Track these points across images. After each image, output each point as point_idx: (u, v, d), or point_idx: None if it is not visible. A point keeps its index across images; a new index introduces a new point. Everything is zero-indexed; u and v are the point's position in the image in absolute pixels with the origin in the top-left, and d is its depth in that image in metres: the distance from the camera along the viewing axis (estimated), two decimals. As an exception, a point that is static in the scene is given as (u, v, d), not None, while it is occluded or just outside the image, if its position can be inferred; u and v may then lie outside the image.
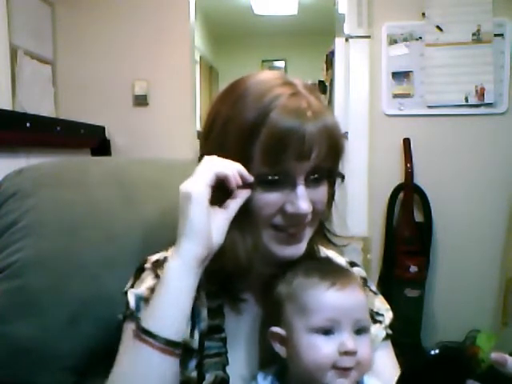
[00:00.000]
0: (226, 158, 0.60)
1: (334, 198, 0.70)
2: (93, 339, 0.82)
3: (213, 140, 0.64)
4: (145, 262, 0.71)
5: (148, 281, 0.67)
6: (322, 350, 0.59)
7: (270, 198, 0.60)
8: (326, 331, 0.60)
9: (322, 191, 0.63)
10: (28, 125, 1.79)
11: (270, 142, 0.58)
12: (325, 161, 0.61)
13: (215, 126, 0.64)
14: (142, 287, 0.66)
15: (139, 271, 0.70)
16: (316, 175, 0.61)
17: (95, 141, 2.39)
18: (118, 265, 0.83)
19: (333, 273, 0.64)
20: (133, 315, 0.64)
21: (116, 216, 0.87)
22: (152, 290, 0.63)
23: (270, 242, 0.63)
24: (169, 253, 0.69)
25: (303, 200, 0.59)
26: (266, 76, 0.63)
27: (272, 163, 0.59)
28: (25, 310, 0.80)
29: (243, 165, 0.59)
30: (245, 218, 0.62)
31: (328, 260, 0.73)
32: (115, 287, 0.80)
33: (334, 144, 0.61)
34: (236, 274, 0.64)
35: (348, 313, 0.60)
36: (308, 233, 0.64)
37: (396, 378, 0.48)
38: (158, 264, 0.68)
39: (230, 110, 0.62)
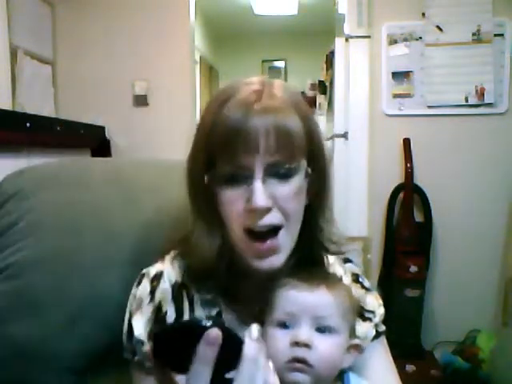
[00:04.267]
0: (195, 154, 0.64)
1: (322, 205, 0.68)
2: (93, 339, 0.82)
3: (193, 142, 0.66)
4: (143, 276, 0.71)
5: (146, 313, 0.67)
6: (278, 342, 0.61)
7: (233, 195, 0.61)
8: (284, 325, 0.62)
9: (288, 187, 0.61)
10: (28, 125, 1.79)
11: (222, 137, 0.59)
12: (281, 156, 0.59)
13: (196, 129, 0.66)
14: (140, 325, 0.67)
15: (138, 285, 0.70)
16: (280, 171, 0.60)
17: (95, 141, 2.39)
18: (118, 265, 0.83)
19: (311, 277, 0.65)
20: (141, 363, 0.67)
21: (116, 216, 0.87)
22: (151, 332, 0.66)
23: (247, 254, 0.63)
24: (165, 263, 0.71)
25: (258, 195, 0.58)
26: (247, 79, 0.65)
27: (227, 159, 0.60)
28: (24, 311, 0.80)
29: (206, 162, 0.61)
30: (214, 218, 0.63)
31: (323, 270, 0.73)
32: (115, 287, 0.81)
33: (284, 138, 0.59)
34: (204, 272, 0.66)
35: (306, 309, 0.62)
36: (284, 241, 0.63)
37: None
38: (155, 285, 0.69)
39: (204, 111, 0.65)
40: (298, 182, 0.62)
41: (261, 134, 0.58)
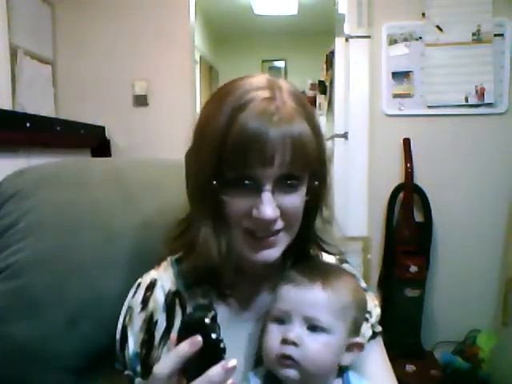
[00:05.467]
0: (200, 155, 0.62)
1: (319, 205, 0.69)
2: (92, 339, 0.82)
3: (193, 140, 0.66)
4: (138, 286, 0.71)
5: (137, 323, 0.69)
6: (271, 337, 0.63)
7: (239, 202, 0.61)
8: (279, 321, 0.64)
9: (295, 198, 0.62)
10: (28, 125, 1.79)
11: (236, 146, 0.58)
12: (293, 168, 0.60)
13: (196, 126, 0.66)
14: (132, 340, 0.68)
15: (134, 296, 0.71)
16: (289, 181, 0.61)
17: (95, 141, 2.39)
18: (117, 265, 0.83)
19: (311, 271, 0.66)
20: (131, 378, 0.68)
21: (115, 216, 0.88)
22: (143, 344, 0.68)
23: (243, 247, 0.64)
24: (160, 270, 0.72)
25: (267, 206, 0.59)
26: (252, 80, 0.63)
27: (238, 167, 0.59)
28: (24, 310, 0.80)
29: (213, 165, 0.60)
30: (219, 219, 0.63)
31: (326, 262, 0.73)
32: (114, 287, 0.81)
33: (299, 152, 0.59)
34: (208, 271, 0.66)
35: (297, 308, 0.63)
36: (283, 238, 0.64)
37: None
38: (149, 295, 0.70)
39: (209, 112, 0.63)
40: (303, 191, 0.63)
41: (277, 149, 0.58)
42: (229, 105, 0.60)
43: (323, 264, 0.72)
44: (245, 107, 0.59)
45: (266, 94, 0.60)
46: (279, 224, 0.62)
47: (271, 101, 0.60)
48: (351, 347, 0.65)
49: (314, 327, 0.62)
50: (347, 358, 0.65)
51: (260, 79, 0.63)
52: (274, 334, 0.63)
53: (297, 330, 0.61)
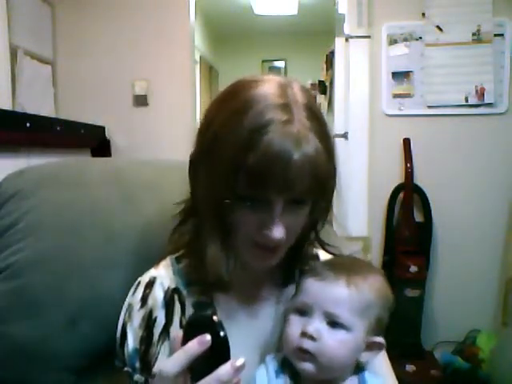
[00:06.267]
0: (213, 168, 0.62)
1: (324, 217, 0.71)
2: (92, 339, 0.82)
3: (203, 145, 0.65)
4: (138, 285, 0.72)
5: (136, 320, 0.69)
6: (291, 328, 0.64)
7: (249, 219, 0.62)
8: (300, 313, 0.64)
9: (299, 218, 0.64)
10: (28, 125, 1.79)
11: (256, 169, 0.58)
12: (306, 194, 0.61)
13: (208, 133, 0.64)
14: (131, 337, 0.68)
15: (133, 294, 0.71)
16: (298, 204, 0.62)
17: (95, 141, 2.39)
18: (117, 265, 0.84)
19: (337, 266, 0.67)
20: (130, 375, 0.68)
21: (115, 216, 0.88)
22: (142, 341, 0.68)
23: (247, 256, 0.66)
24: (159, 269, 0.72)
25: (277, 228, 0.61)
26: (266, 91, 0.61)
27: (255, 189, 0.59)
28: (24, 310, 0.81)
29: (228, 183, 0.60)
30: (228, 235, 0.64)
31: (356, 258, 0.74)
32: (114, 287, 0.81)
33: (315, 179, 0.60)
34: (217, 285, 0.67)
35: (318, 303, 0.63)
36: (282, 248, 0.66)
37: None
38: (148, 292, 0.70)
39: (224, 122, 0.62)
40: (307, 211, 0.65)
41: (296, 179, 0.58)
42: (247, 123, 0.58)
43: (352, 260, 0.72)
44: (265, 131, 0.57)
45: (284, 115, 0.59)
46: (283, 239, 0.63)
47: (291, 125, 0.58)
48: (371, 346, 0.65)
49: (333, 323, 0.62)
50: (365, 356, 0.66)
51: (273, 89, 0.61)
52: (295, 325, 0.64)
53: (316, 325, 0.62)
